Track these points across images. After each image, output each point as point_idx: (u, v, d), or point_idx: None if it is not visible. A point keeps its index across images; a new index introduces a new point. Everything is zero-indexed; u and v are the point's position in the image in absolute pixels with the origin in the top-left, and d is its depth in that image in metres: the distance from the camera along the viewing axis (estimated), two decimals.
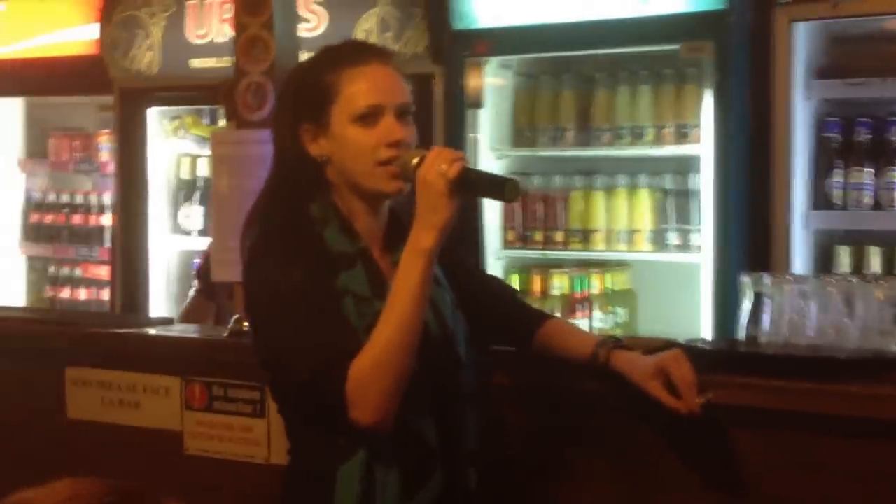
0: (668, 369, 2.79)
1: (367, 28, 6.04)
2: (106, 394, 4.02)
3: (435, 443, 2.72)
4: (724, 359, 3.08)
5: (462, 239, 2.85)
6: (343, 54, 2.82)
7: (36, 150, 7.93)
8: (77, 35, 7.14)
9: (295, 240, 2.74)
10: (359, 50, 2.86)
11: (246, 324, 3.61)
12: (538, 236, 5.93)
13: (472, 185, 2.64)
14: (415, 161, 2.65)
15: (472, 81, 5.83)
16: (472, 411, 2.82)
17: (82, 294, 7.70)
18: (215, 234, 4.19)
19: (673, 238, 5.66)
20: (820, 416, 2.83)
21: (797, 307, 3.18)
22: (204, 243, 6.05)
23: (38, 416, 4.17)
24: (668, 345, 2.98)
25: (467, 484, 2.79)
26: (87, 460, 4.05)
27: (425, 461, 2.71)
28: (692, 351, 2.93)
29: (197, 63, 6.61)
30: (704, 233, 5.42)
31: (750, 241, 5.37)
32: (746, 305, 3.29)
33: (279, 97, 2.98)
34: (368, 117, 2.73)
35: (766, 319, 3.22)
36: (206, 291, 5.40)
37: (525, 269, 6.05)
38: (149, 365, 3.96)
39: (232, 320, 3.93)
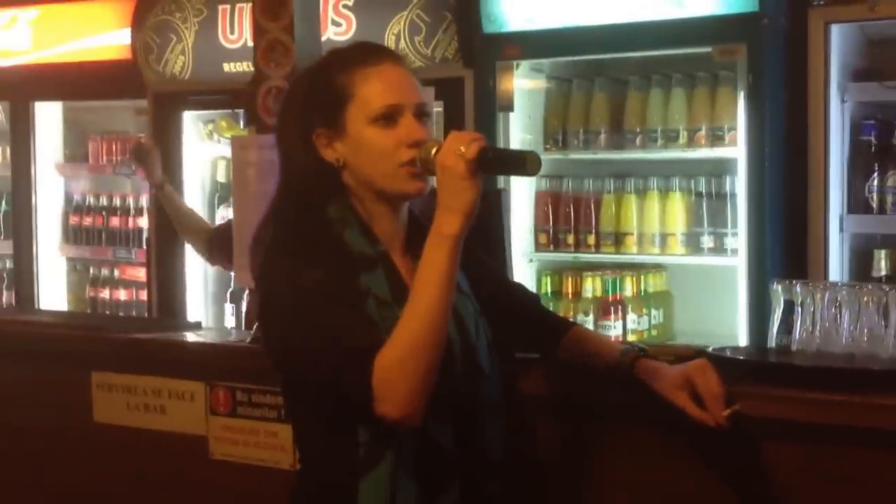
0: (693, 380, 2.75)
1: (396, 32, 6.03)
2: (131, 398, 4.03)
3: (453, 452, 2.68)
4: (753, 369, 3.03)
5: (486, 245, 2.82)
6: (354, 55, 2.75)
7: (76, 153, 7.97)
8: (112, 39, 7.17)
9: (314, 240, 2.68)
10: (370, 50, 2.78)
11: None
12: (570, 239, 5.90)
13: (493, 164, 2.57)
14: (434, 150, 2.59)
15: (502, 85, 5.80)
16: (495, 420, 2.79)
17: (122, 295, 7.74)
18: (236, 239, 4.18)
19: (707, 241, 5.62)
20: (853, 429, 2.78)
21: (830, 315, 3.13)
22: None
23: (65, 419, 4.19)
24: (696, 354, 2.95)
25: (487, 493, 2.75)
26: (112, 464, 4.08)
27: (443, 470, 2.68)
28: (719, 360, 2.90)
29: (230, 67, 6.61)
30: (740, 236, 5.38)
31: (785, 244, 5.32)
32: (778, 313, 3.24)
33: (284, 104, 2.87)
34: (387, 118, 2.67)
35: (797, 328, 3.17)
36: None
37: (557, 271, 6.03)
38: (174, 370, 3.97)
39: (255, 325, 3.93)
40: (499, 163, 2.63)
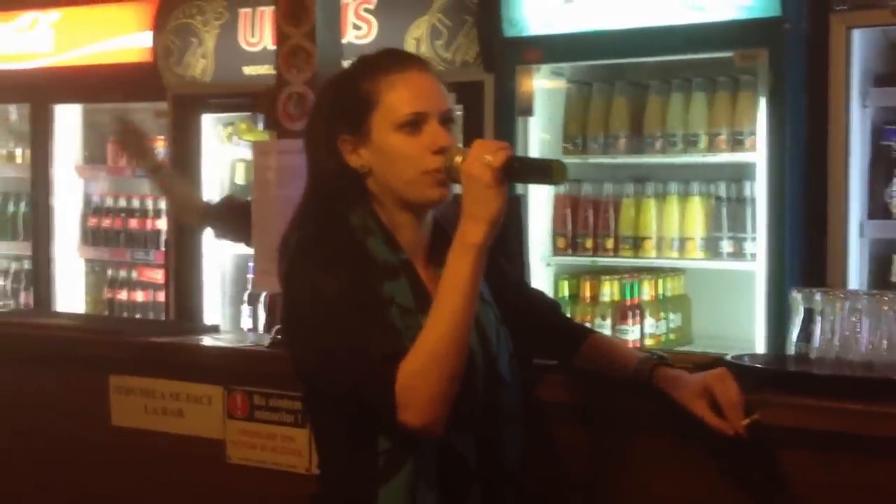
0: (712, 389, 2.74)
1: (417, 35, 6.02)
2: (149, 402, 4.03)
3: (474, 460, 2.68)
4: (772, 377, 3.01)
5: (505, 250, 2.81)
6: (380, 62, 2.75)
7: (95, 154, 7.99)
8: (132, 42, 7.19)
9: (338, 247, 2.66)
10: (396, 57, 2.78)
11: None
12: (588, 243, 5.90)
13: (519, 173, 2.58)
14: (458, 159, 2.59)
15: (522, 89, 5.80)
16: (514, 429, 2.78)
17: (139, 296, 7.76)
18: (256, 244, 4.18)
19: (726, 246, 5.61)
20: (871, 438, 2.76)
21: (849, 324, 3.11)
22: None
23: (83, 423, 4.19)
24: (715, 362, 2.93)
25: (506, 501, 2.75)
26: (130, 468, 4.08)
27: (463, 479, 2.67)
28: (738, 368, 2.89)
29: (250, 70, 6.62)
30: (759, 241, 5.37)
31: (805, 249, 5.31)
32: (796, 321, 3.23)
33: (313, 110, 2.90)
34: (412, 125, 2.67)
35: (816, 336, 3.15)
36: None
37: (575, 275, 6.02)
38: (192, 373, 3.97)
39: (274, 330, 3.93)
40: (525, 172, 2.63)
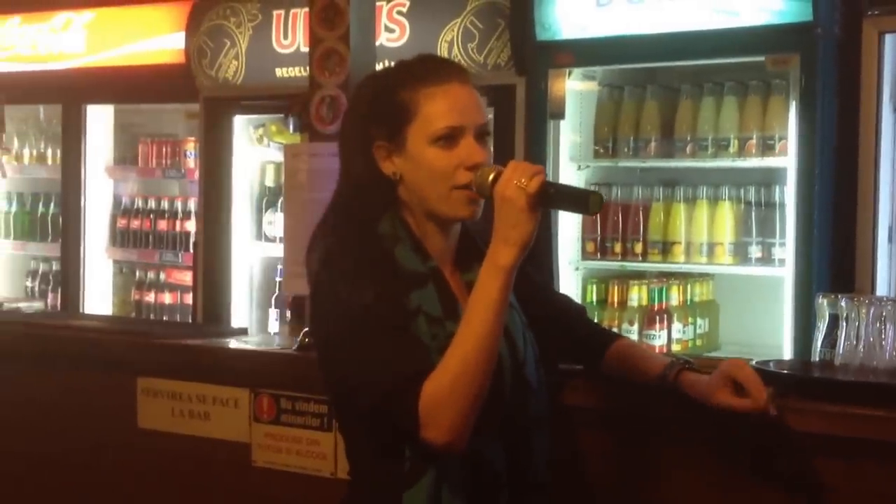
0: (732, 374, 2.73)
1: (449, 39, 6.02)
2: (176, 404, 4.04)
3: (502, 467, 2.67)
4: (796, 383, 3.00)
5: (532, 255, 2.80)
6: (420, 71, 2.72)
7: (126, 155, 8.00)
8: (165, 44, 7.19)
9: (365, 257, 2.66)
10: (438, 68, 2.75)
11: None
12: (617, 247, 5.90)
13: (553, 200, 2.56)
14: (491, 177, 2.58)
15: (554, 92, 5.79)
16: (542, 435, 2.78)
17: (167, 298, 7.75)
18: (287, 247, 4.19)
19: (755, 251, 5.60)
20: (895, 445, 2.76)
21: (874, 330, 3.10)
22: None
23: (110, 425, 4.20)
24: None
25: None
26: (156, 470, 4.09)
27: (492, 486, 2.67)
28: (763, 374, 2.87)
29: (282, 72, 6.62)
30: (788, 246, 5.35)
31: (833, 255, 5.29)
32: (822, 327, 3.22)
33: (350, 112, 2.87)
34: (448, 139, 2.65)
35: (841, 342, 3.14)
36: None
37: (603, 280, 6.01)
38: (219, 376, 3.98)
39: (301, 333, 3.93)
40: (560, 199, 2.61)
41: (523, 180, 2.50)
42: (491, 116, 5.62)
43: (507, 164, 2.56)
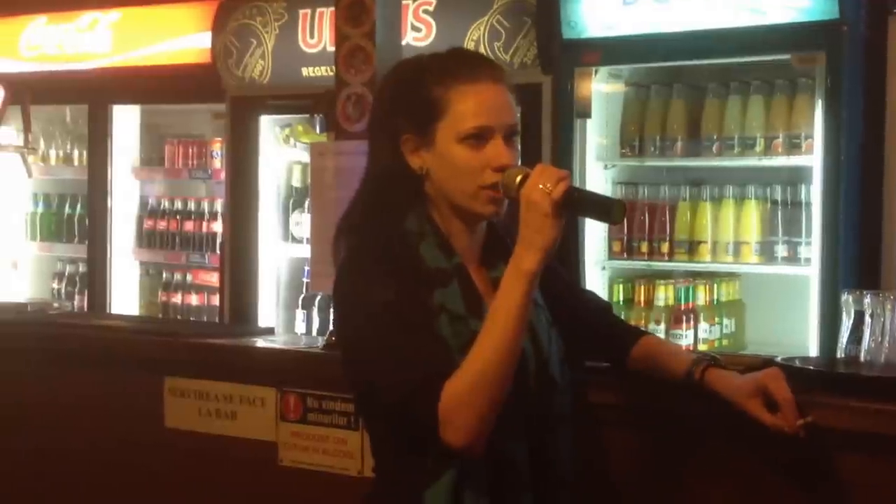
0: (767, 387, 2.71)
1: (476, 37, 6.01)
2: (203, 404, 4.04)
3: (525, 467, 2.67)
4: (821, 379, 2.99)
5: (560, 251, 2.80)
6: (453, 67, 2.71)
7: (152, 156, 8.00)
8: (191, 43, 7.19)
9: (389, 255, 2.66)
10: (470, 64, 2.73)
11: None
12: (644, 247, 5.89)
13: (577, 206, 2.57)
14: (518, 179, 2.58)
15: (580, 91, 5.79)
16: (566, 434, 2.78)
17: (194, 300, 7.75)
18: (313, 246, 4.19)
19: (781, 250, 5.59)
20: None
21: None
22: None
23: (137, 424, 4.20)
24: (766, 364, 2.91)
25: None
26: (183, 469, 4.09)
27: (515, 485, 2.66)
28: (789, 371, 2.86)
29: (308, 71, 6.62)
30: (814, 245, 5.33)
31: (860, 254, 5.27)
32: (848, 323, 3.21)
33: (378, 101, 2.87)
34: (476, 138, 2.65)
35: (866, 338, 3.14)
36: None
37: (629, 279, 6.01)
38: (245, 376, 3.98)
39: (328, 332, 3.93)
40: (584, 206, 2.62)
41: (549, 185, 2.50)
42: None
43: (535, 168, 2.56)
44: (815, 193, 5.32)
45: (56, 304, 5.71)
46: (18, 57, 7.95)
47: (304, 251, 6.68)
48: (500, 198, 2.66)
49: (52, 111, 8.14)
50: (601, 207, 2.61)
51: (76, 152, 8.20)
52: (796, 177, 5.59)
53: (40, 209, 8.42)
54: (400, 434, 2.64)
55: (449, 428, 2.48)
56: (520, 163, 2.69)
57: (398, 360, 2.54)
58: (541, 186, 2.50)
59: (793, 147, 5.49)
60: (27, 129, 6.17)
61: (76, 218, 8.20)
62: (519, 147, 2.73)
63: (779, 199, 5.65)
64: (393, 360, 2.54)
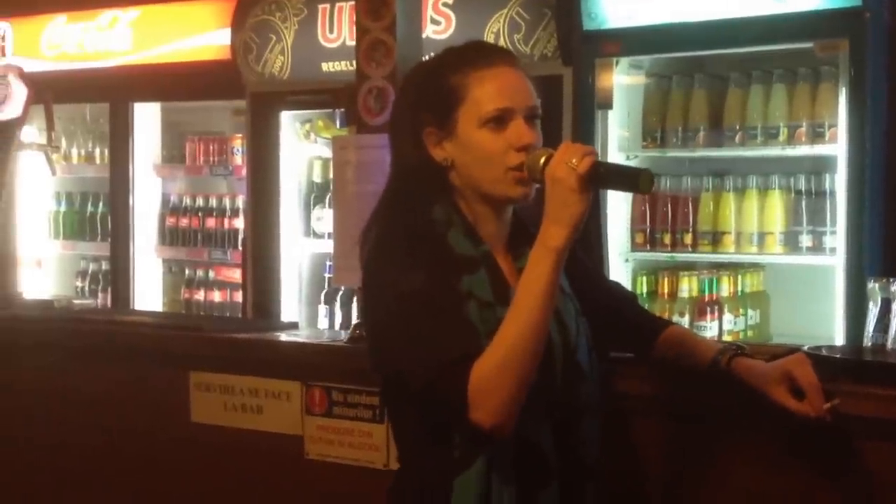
0: (792, 373, 2.71)
1: (495, 30, 6.00)
2: (229, 398, 4.05)
3: (552, 455, 2.67)
4: (847, 367, 2.98)
5: (584, 242, 2.80)
6: (469, 56, 2.74)
7: (173, 154, 8.01)
8: (211, 40, 7.19)
9: (417, 242, 2.67)
10: (485, 52, 2.77)
11: None
12: (667, 238, 5.87)
13: (604, 179, 2.57)
14: (542, 159, 2.59)
15: (601, 82, 5.77)
16: (593, 422, 2.77)
17: (216, 296, 7.76)
18: (337, 240, 4.20)
19: (805, 240, 5.56)
20: None
21: None
22: None
23: (163, 419, 4.22)
24: (792, 352, 2.90)
25: (584, 498, 2.74)
26: (209, 464, 4.11)
27: (541, 473, 2.66)
28: (814, 359, 2.85)
29: (328, 66, 6.61)
30: (839, 235, 5.31)
31: (885, 242, 5.24)
32: (874, 311, 3.20)
33: (399, 99, 2.90)
34: (497, 121, 2.66)
35: (893, 326, 3.13)
36: None
37: (653, 271, 5.99)
38: (271, 370, 3.99)
39: (352, 326, 3.93)
40: (611, 179, 2.63)
41: (574, 161, 2.50)
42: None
43: (560, 146, 2.56)
44: (839, 182, 5.29)
45: (80, 302, 5.72)
46: (40, 56, 7.96)
47: (326, 246, 6.69)
48: (526, 179, 2.66)
49: (72, 110, 8.14)
50: (628, 178, 2.61)
51: (97, 150, 8.20)
52: (820, 166, 5.56)
53: (63, 208, 8.42)
54: (427, 421, 2.65)
55: (478, 409, 2.48)
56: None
57: (427, 344, 2.54)
58: (566, 163, 2.51)
59: (816, 136, 5.46)
60: (50, 127, 6.17)
61: (98, 216, 8.20)
62: (540, 131, 2.73)
63: (803, 188, 5.61)
64: (422, 344, 2.54)
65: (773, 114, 5.59)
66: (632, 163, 5.91)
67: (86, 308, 5.43)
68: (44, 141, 6.50)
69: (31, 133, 7.36)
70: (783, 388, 2.71)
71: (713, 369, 2.82)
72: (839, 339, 5.16)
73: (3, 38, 8.15)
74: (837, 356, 3.09)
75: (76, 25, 7.87)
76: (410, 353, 2.57)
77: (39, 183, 8.25)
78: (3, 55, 8.07)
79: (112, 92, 7.71)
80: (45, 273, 8.58)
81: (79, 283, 8.39)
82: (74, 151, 8.32)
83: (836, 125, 5.30)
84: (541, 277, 2.51)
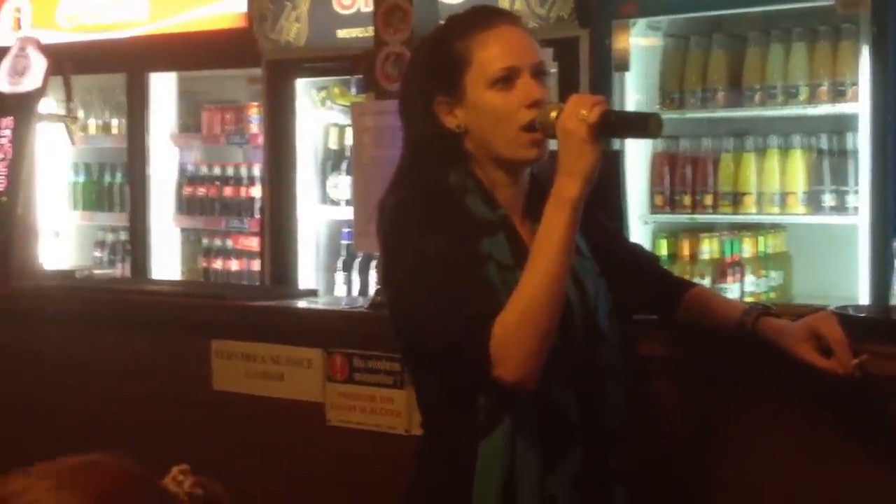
0: (819, 330, 2.68)
1: None
2: (250, 366, 4.05)
3: (575, 417, 2.66)
4: (875, 326, 2.95)
5: (603, 206, 2.78)
6: (470, 20, 2.76)
7: (189, 123, 7.99)
8: (227, 8, 7.16)
9: (438, 205, 2.67)
10: (485, 14, 2.79)
11: None
12: (687, 200, 5.83)
13: (615, 127, 2.59)
14: (553, 114, 2.59)
15: (618, 44, 5.73)
16: (616, 386, 2.76)
17: (234, 265, 7.74)
18: (356, 206, 4.20)
19: (828, 200, 5.52)
20: None
21: None
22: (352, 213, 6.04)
23: (185, 387, 4.23)
24: (818, 311, 2.88)
25: (608, 460, 2.73)
26: (231, 431, 4.11)
27: (565, 435, 2.66)
28: (841, 318, 2.83)
29: (344, 33, 6.58)
30: (862, 194, 5.27)
31: None
32: None
33: (406, 75, 2.91)
34: (505, 80, 2.67)
35: None
36: None
37: (673, 233, 5.96)
38: (292, 337, 3.99)
39: (373, 292, 3.92)
40: (621, 126, 2.65)
41: (584, 112, 2.51)
42: (554, 70, 5.56)
43: (569, 99, 2.57)
44: (862, 141, 5.25)
45: (101, 272, 5.72)
46: (56, 28, 7.93)
47: (342, 213, 6.69)
48: (540, 139, 2.66)
49: (88, 81, 8.11)
50: (637, 124, 2.64)
51: (114, 121, 8.19)
52: (842, 124, 5.52)
53: (81, 178, 8.42)
54: (451, 381, 2.65)
55: (501, 364, 2.48)
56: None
57: (450, 302, 2.54)
58: (576, 115, 2.51)
59: (838, 94, 5.42)
60: (69, 97, 6.17)
61: (116, 186, 8.19)
62: (549, 87, 2.74)
63: (825, 147, 5.57)
64: (445, 302, 2.55)
65: (794, 73, 5.55)
66: None
67: (107, 278, 5.42)
68: (63, 112, 6.49)
69: (50, 104, 7.35)
70: (810, 345, 2.69)
71: (739, 330, 2.80)
72: (863, 300, 5.12)
73: (20, 10, 8.13)
74: (864, 315, 3.07)
75: None
76: (433, 310, 2.57)
77: (58, 154, 8.24)
78: (20, 28, 8.05)
79: (128, 62, 7.68)
80: (64, 244, 8.58)
81: (98, 254, 8.39)
82: (92, 122, 8.30)
83: (858, 83, 5.25)
84: (557, 229, 2.51)
